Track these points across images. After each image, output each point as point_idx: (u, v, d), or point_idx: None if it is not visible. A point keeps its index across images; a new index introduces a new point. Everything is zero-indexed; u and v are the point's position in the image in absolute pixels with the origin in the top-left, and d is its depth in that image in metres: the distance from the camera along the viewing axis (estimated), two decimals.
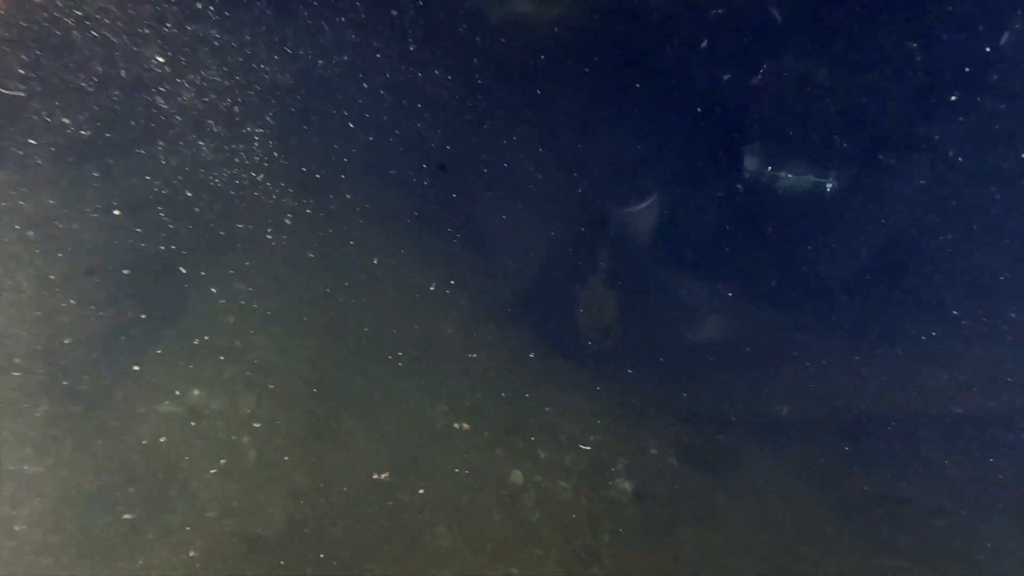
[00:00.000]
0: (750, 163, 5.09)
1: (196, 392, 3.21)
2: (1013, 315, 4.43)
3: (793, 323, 5.24)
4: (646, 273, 5.60)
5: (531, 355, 4.37)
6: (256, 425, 3.17)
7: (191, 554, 2.69)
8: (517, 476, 3.29)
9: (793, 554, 3.42)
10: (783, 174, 5.03)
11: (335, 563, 2.72)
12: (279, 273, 3.94)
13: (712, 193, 5.61)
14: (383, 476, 2.84)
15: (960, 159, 4.54)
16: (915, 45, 4.45)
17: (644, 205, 5.29)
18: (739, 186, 5.15)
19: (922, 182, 4.86)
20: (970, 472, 3.65)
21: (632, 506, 3.64)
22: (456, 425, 3.32)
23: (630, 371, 4.70)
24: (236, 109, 4.02)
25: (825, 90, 5.22)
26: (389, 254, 4.31)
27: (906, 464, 3.73)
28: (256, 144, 3.95)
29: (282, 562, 2.70)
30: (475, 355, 3.89)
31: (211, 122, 4.04)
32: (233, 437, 3.12)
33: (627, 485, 3.74)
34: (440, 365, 3.68)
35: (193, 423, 3.12)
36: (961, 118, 4.40)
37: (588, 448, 3.83)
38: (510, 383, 3.91)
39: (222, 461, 3.01)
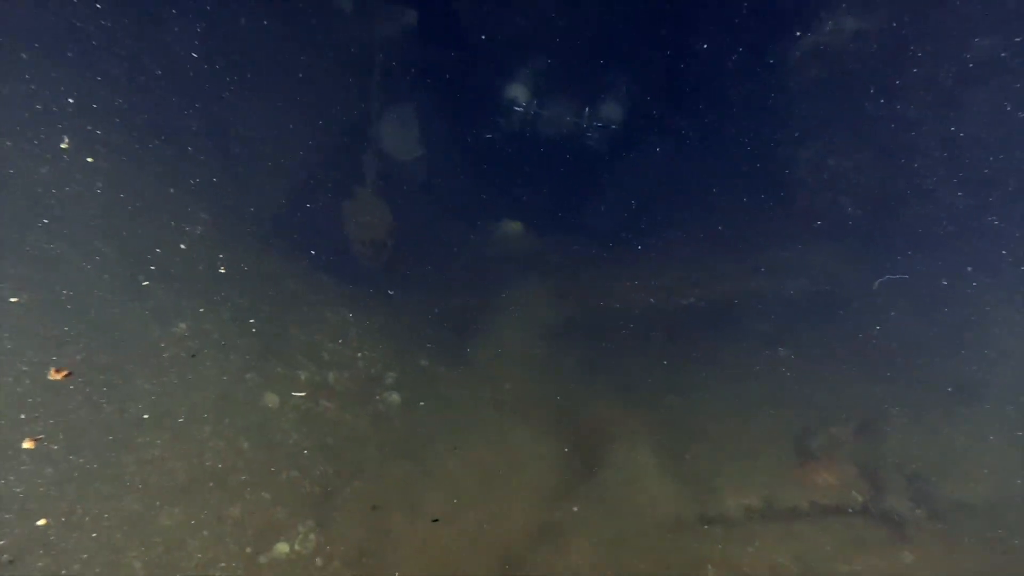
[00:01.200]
0: (519, 98, 5.51)
1: None
2: (720, 227, 5.39)
3: (555, 240, 5.72)
4: (415, 199, 5.69)
5: (291, 274, 4.03)
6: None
7: None
8: (272, 399, 3.05)
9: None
10: (545, 112, 5.57)
11: (44, 518, 2.25)
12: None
13: (483, 125, 5.99)
14: (31, 442, 2.29)
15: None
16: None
17: (417, 155, 5.51)
18: (506, 121, 5.65)
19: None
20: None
21: (400, 417, 3.66)
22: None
23: (399, 285, 4.65)
24: None
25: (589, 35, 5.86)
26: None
27: (640, 349, 4.38)
28: None
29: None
30: (224, 271, 3.43)
31: None
32: None
33: (396, 397, 3.73)
34: (179, 284, 3.16)
35: None
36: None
37: (354, 365, 3.71)
38: (264, 303, 3.56)
39: None
